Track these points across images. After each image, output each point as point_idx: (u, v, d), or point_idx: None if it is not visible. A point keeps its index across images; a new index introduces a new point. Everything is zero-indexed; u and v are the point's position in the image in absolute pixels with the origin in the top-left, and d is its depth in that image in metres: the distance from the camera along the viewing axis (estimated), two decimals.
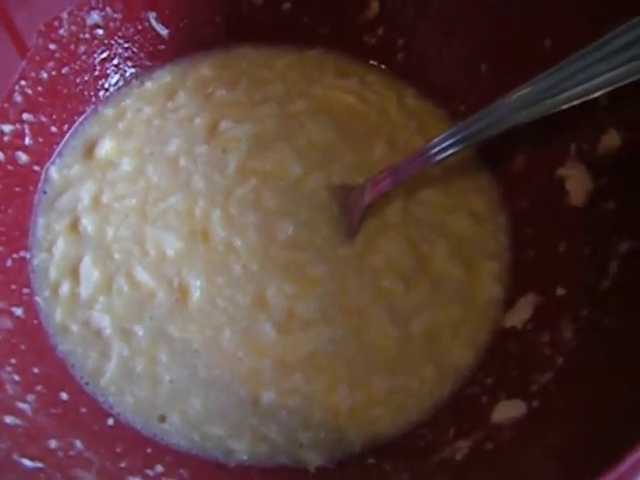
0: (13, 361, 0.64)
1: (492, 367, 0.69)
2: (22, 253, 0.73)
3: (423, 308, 0.72)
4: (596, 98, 0.67)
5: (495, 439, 0.61)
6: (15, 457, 0.52)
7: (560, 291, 0.68)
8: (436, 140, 0.73)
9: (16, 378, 0.62)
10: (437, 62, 0.84)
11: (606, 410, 0.55)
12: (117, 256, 0.73)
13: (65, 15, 0.77)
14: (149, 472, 0.61)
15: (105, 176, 0.77)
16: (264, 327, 0.70)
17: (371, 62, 0.88)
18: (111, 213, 0.75)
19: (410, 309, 0.72)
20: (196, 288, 0.71)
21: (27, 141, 0.75)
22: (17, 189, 0.74)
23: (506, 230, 0.77)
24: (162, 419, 0.67)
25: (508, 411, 0.63)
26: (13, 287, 0.70)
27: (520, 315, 0.71)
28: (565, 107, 0.67)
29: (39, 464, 0.53)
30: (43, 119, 0.77)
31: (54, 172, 0.77)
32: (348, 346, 0.70)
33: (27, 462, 0.53)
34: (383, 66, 0.87)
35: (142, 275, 0.72)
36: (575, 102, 0.66)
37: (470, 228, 0.77)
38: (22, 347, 0.66)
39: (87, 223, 0.74)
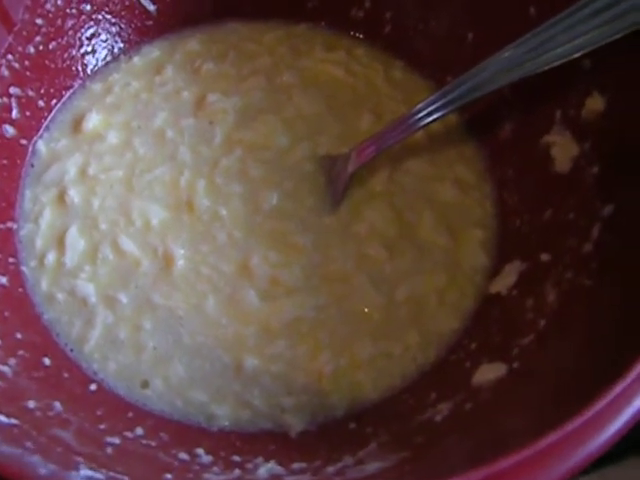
0: None
1: (476, 333, 0.69)
2: (9, 224, 0.73)
3: (408, 275, 0.72)
4: (579, 63, 0.67)
5: (474, 400, 0.60)
6: None
7: (544, 257, 0.68)
8: (420, 105, 0.73)
9: None
10: (424, 34, 0.84)
11: (582, 369, 0.55)
12: (103, 226, 0.73)
13: None
14: (128, 434, 0.61)
15: (92, 149, 0.78)
16: (248, 294, 0.70)
17: (359, 35, 0.87)
18: (97, 184, 0.75)
19: (394, 276, 0.72)
20: (180, 256, 0.72)
21: (14, 114, 0.76)
22: (4, 162, 0.75)
23: (492, 198, 0.77)
24: (145, 385, 0.67)
25: (489, 373, 0.62)
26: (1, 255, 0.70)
27: (505, 281, 0.70)
28: (548, 67, 0.66)
29: (14, 421, 0.53)
30: (31, 93, 0.78)
31: (42, 145, 0.78)
32: (331, 313, 0.70)
33: (2, 418, 0.53)
34: (370, 39, 0.87)
35: (127, 244, 0.72)
36: (559, 62, 0.66)
37: (456, 197, 0.77)
38: (6, 314, 0.66)
39: (74, 194, 0.75)
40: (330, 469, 0.56)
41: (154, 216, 0.73)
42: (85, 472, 0.49)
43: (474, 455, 0.52)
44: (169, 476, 0.54)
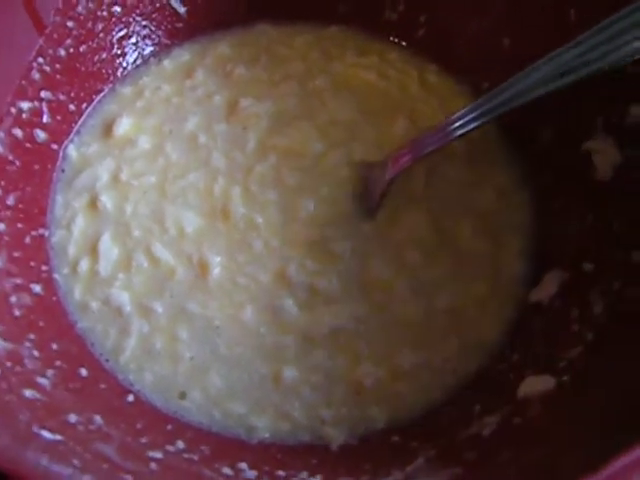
0: (32, 337, 0.63)
1: (518, 343, 0.68)
2: (41, 231, 0.72)
3: (447, 283, 0.71)
4: (623, 67, 0.65)
5: (523, 414, 0.59)
6: (35, 429, 0.52)
7: (587, 266, 0.66)
8: (457, 114, 0.72)
9: (35, 354, 0.62)
10: (459, 38, 0.82)
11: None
12: (136, 233, 0.72)
13: None
14: (170, 448, 0.60)
15: (124, 154, 0.76)
16: (286, 303, 0.69)
17: (392, 39, 0.86)
18: (130, 190, 0.74)
19: (434, 284, 0.71)
20: (216, 265, 0.70)
21: (45, 119, 0.75)
22: (35, 167, 0.74)
23: (531, 205, 0.75)
24: (182, 396, 0.66)
25: (536, 385, 0.61)
26: (32, 264, 0.69)
27: (546, 291, 0.69)
28: (588, 76, 0.65)
29: (59, 437, 0.52)
30: (61, 97, 0.76)
31: (72, 150, 0.77)
32: (371, 322, 0.69)
33: (47, 434, 0.52)
34: (404, 43, 0.86)
35: (162, 252, 0.71)
36: (598, 72, 0.65)
37: (494, 203, 0.76)
38: (41, 324, 0.65)
39: (106, 200, 0.73)
40: None
41: (188, 223, 0.72)
42: None
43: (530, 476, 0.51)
44: None
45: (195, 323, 0.68)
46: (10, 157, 0.71)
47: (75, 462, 0.49)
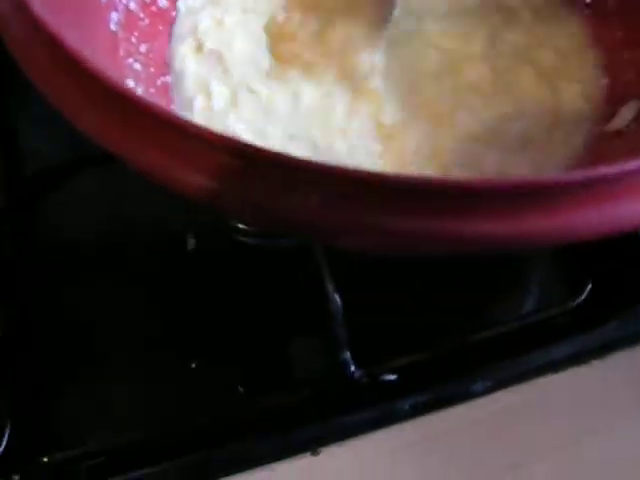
0: None
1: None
2: (167, 78, 0.85)
3: (513, 118, 0.79)
4: None
5: None
6: None
7: None
8: None
9: None
10: None
11: None
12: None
13: None
14: None
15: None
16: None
17: None
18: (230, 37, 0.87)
19: (497, 119, 0.79)
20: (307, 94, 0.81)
21: None
22: (160, 27, 0.87)
23: (595, 63, 0.84)
24: None
25: None
26: (163, 102, 0.81)
27: (623, 120, 0.77)
28: None
29: None
30: None
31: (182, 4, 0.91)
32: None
33: None
34: None
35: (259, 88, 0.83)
36: None
37: (556, 60, 0.84)
38: None
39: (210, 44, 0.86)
40: None
41: None
42: None
43: None
44: None
45: (300, 143, 0.78)
46: (141, 15, 0.85)
47: None
